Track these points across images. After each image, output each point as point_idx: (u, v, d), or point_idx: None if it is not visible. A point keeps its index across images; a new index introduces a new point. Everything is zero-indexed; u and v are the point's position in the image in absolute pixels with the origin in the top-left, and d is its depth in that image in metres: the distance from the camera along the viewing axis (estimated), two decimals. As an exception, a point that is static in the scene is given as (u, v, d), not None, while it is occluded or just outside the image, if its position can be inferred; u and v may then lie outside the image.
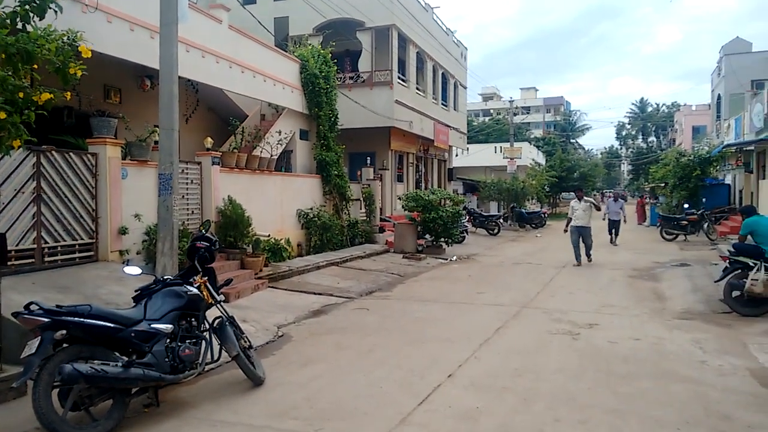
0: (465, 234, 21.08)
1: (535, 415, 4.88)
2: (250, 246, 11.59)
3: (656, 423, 4.70)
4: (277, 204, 13.85)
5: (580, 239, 14.52)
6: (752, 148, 23.13)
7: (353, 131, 20.55)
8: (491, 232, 25.12)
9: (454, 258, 16.39)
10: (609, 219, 19.96)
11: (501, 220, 27.20)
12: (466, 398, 5.28)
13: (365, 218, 18.01)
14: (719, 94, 34.04)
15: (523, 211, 29.93)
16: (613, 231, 19.86)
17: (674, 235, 21.49)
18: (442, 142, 26.49)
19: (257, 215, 12.35)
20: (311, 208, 15.10)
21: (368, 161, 19.54)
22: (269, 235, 12.47)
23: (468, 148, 39.94)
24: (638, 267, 14.52)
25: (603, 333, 7.72)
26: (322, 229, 14.93)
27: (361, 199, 18.05)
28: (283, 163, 15.84)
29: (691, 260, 15.03)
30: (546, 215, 30.66)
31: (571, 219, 14.61)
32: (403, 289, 11.40)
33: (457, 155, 34.71)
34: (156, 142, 8.34)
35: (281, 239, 13.18)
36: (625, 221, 19.91)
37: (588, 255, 14.73)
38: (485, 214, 26.91)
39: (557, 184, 42.14)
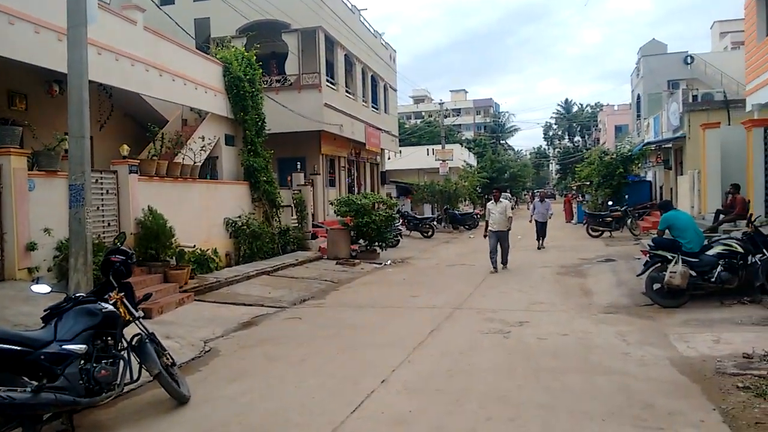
0: (399, 237, 21.27)
1: (467, 415, 4.99)
2: (174, 258, 11.27)
3: (584, 415, 4.91)
4: (202, 213, 13.53)
5: (498, 244, 13.78)
6: (670, 145, 24.65)
7: (282, 136, 20.35)
8: (425, 234, 25.46)
9: (389, 262, 16.51)
10: (536, 221, 18.97)
11: (435, 223, 27.62)
12: (399, 403, 5.34)
13: (297, 225, 17.91)
14: (639, 94, 36.02)
15: (456, 212, 30.55)
16: (541, 235, 18.89)
17: (600, 232, 22.53)
18: (373, 145, 26.66)
19: (181, 225, 12.02)
20: (240, 216, 14.84)
21: (298, 166, 19.41)
22: (195, 246, 12.17)
23: (400, 151, 40.44)
24: (566, 264, 15.07)
25: (532, 330, 8.00)
26: (252, 238, 14.70)
27: (292, 205, 17.95)
28: (208, 170, 15.49)
29: (615, 256, 15.77)
30: (478, 216, 31.42)
31: (488, 222, 13.86)
32: (336, 296, 11.38)
33: (389, 158, 35.04)
34: (66, 151, 7.97)
35: (208, 250, 12.89)
36: (550, 217, 19.36)
37: (504, 261, 13.93)
38: (419, 216, 27.27)
39: (489, 185, 43.26)
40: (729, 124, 18.45)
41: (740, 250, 8.96)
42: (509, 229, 13.97)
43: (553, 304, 9.84)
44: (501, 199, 14.13)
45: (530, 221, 19.43)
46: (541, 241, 18.77)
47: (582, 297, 10.52)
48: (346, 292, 11.81)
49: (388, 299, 10.83)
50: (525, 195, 75.67)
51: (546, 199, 19.40)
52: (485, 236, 14.00)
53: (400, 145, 40.29)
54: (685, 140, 21.27)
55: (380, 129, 28.10)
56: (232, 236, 14.61)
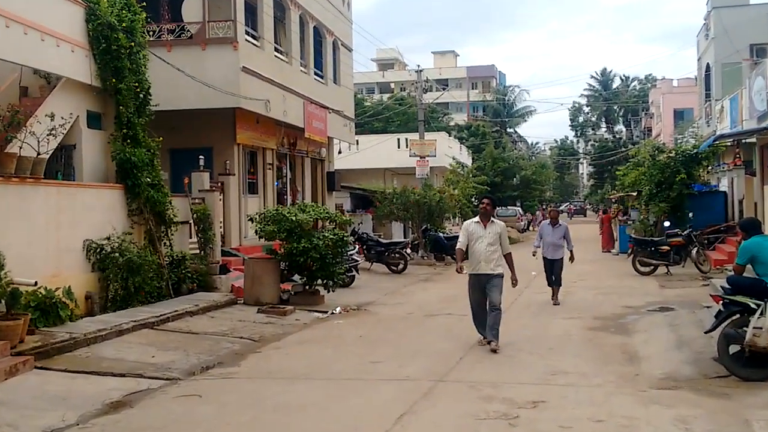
0: (354, 272, 21.26)
1: None
2: (3, 302, 11.05)
3: None
4: (49, 232, 13.32)
5: (484, 296, 11.87)
6: (754, 140, 25.29)
7: (177, 115, 20.21)
8: (394, 268, 25.52)
9: (338, 310, 16.57)
10: (544, 257, 17.39)
11: (408, 250, 27.64)
12: None
13: (198, 252, 17.82)
14: (708, 64, 36.95)
15: (441, 235, 30.73)
16: (553, 278, 17.38)
17: (652, 267, 22.98)
18: (316, 131, 26.71)
19: (15, 251, 11.82)
20: (109, 238, 14.69)
21: (202, 162, 19.27)
22: (36, 284, 11.97)
23: (357, 142, 40.64)
24: (602, 314, 15.27)
25: (552, 414, 8.06)
26: (128, 271, 14.56)
27: (191, 221, 17.84)
28: (60, 167, 15.28)
29: (674, 302, 16.09)
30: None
31: (464, 254, 11.98)
32: (257, 362, 11.35)
33: (341, 152, 35.20)
34: None
35: (58, 289, 12.68)
36: (572, 259, 17.57)
37: (493, 330, 11.67)
38: (384, 241, 27.33)
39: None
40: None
41: None
42: (501, 275, 11.82)
43: (583, 375, 9.95)
44: (494, 219, 12.18)
45: (534, 255, 17.70)
46: (555, 293, 17.34)
47: (625, 364, 10.67)
48: (271, 356, 11.77)
49: (337, 366, 10.82)
50: (542, 209, 76.65)
51: (560, 223, 17.59)
52: (458, 271, 11.98)
53: (357, 133, 40.50)
54: (776, 133, 21.89)
55: (327, 108, 28.18)
56: (97, 269, 14.46)
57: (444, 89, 63.34)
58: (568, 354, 11.40)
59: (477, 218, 12.09)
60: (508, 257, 11.98)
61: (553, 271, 17.29)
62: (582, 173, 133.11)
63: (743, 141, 26.49)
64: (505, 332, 12.03)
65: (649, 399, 8.67)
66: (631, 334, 13.00)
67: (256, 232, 18.05)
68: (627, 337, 12.80)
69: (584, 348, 11.89)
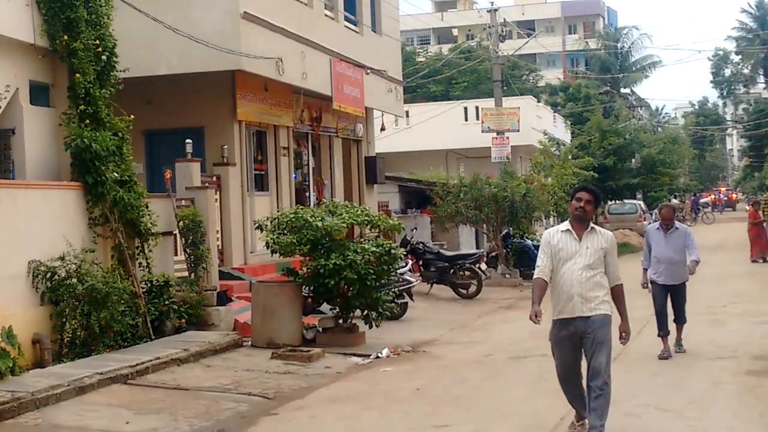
0: (407, 299, 21.13)
1: None
2: None
3: None
4: (-19, 251, 13.42)
5: (580, 354, 10.16)
6: None
7: (155, 84, 20.37)
8: (462, 291, 25.48)
9: (385, 353, 16.49)
10: (653, 282, 15.66)
11: (482, 265, 27.46)
12: None
13: (187, 274, 17.87)
14: None
15: (529, 242, 30.51)
16: (674, 315, 15.77)
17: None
18: (350, 101, 26.66)
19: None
20: (62, 258, 14.79)
21: (189, 148, 19.32)
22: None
23: (407, 113, 40.44)
24: (765, 352, 15.02)
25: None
26: (90, 304, 14.60)
27: (177, 231, 17.92)
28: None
29: None
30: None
31: (546, 287, 10.09)
32: (273, 429, 11.36)
33: (384, 129, 35.05)
34: None
35: (-6, 330, 12.78)
36: (691, 271, 15.79)
37: (597, 411, 9.68)
38: (448, 253, 27.19)
39: (598, 182, 43.30)
40: None
41: None
42: (607, 319, 9.91)
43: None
44: (595, 227, 10.19)
45: (645, 286, 15.87)
46: (678, 335, 15.87)
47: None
48: (293, 420, 11.73)
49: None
50: (680, 202, 75.64)
51: (676, 225, 15.91)
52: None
53: (407, 101, 40.30)
54: None
55: (364, 67, 28.09)
56: (48, 301, 14.54)
57: (530, 35, 62.89)
58: (718, 410, 11.23)
59: (566, 225, 10.11)
60: (617, 292, 9.99)
61: (672, 302, 15.60)
62: (731, 149, 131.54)
63: None
64: (623, 380, 11.85)
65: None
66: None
67: (267, 244, 17.87)
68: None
69: (742, 401, 11.70)
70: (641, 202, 55.00)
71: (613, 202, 51.84)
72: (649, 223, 53.06)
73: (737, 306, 20.86)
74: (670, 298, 15.59)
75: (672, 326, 15.60)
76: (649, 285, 15.67)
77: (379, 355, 16.33)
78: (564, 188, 35.94)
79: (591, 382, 9.80)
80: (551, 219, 40.73)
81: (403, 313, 20.75)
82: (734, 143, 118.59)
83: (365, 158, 30.68)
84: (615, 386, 12.10)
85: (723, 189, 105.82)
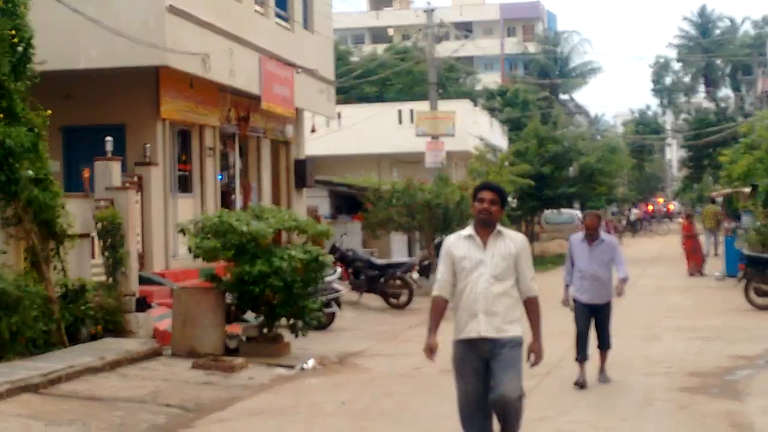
0: (335, 308, 21.11)
1: None
2: None
3: None
4: None
5: (486, 382, 9.09)
6: None
7: (74, 78, 20.22)
8: (393, 300, 25.56)
9: (311, 364, 16.49)
10: (576, 301, 14.41)
11: (414, 275, 27.49)
12: None
13: (105, 279, 17.70)
14: None
15: (463, 252, 30.64)
16: (598, 337, 14.43)
17: (774, 297, 22.95)
18: (279, 100, 26.61)
19: None
20: (-31, 260, 14.58)
21: (110, 146, 19.13)
22: None
23: (339, 115, 40.39)
24: (701, 368, 15.23)
25: None
26: (0, 309, 14.44)
27: (95, 233, 17.78)
28: None
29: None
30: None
31: (445, 306, 9.01)
32: (190, 444, 11.27)
33: (315, 130, 35.02)
34: None
35: None
36: (620, 292, 14.44)
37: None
38: (379, 261, 27.21)
39: (535, 191, 43.63)
40: None
41: None
42: (517, 341, 9.40)
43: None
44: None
45: (566, 304, 14.57)
46: (601, 363, 14.52)
47: (735, 445, 10.62)
48: (212, 434, 11.66)
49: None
50: (621, 212, 76.50)
51: (602, 237, 14.59)
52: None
53: (340, 102, 40.23)
54: None
55: (295, 66, 28.06)
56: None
57: (467, 37, 63.28)
58: (651, 428, 11.37)
59: (469, 229, 8.89)
60: (530, 306, 8.83)
61: (596, 324, 14.30)
62: (671, 159, 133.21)
63: None
64: (556, 395, 11.93)
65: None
66: (742, 398, 12.94)
67: (190, 249, 17.73)
68: (737, 402, 12.73)
69: (674, 418, 11.84)
70: (579, 212, 55.37)
71: (550, 211, 52.26)
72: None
73: (673, 321, 21.14)
74: (592, 317, 14.14)
75: (596, 351, 14.18)
76: (572, 303, 14.32)
77: (305, 366, 16.30)
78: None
79: (500, 411, 8.52)
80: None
81: (331, 322, 20.71)
82: (674, 153, 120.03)
83: (295, 161, 30.62)
84: (546, 402, 12.26)
85: (660, 200, 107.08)
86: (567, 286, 14.42)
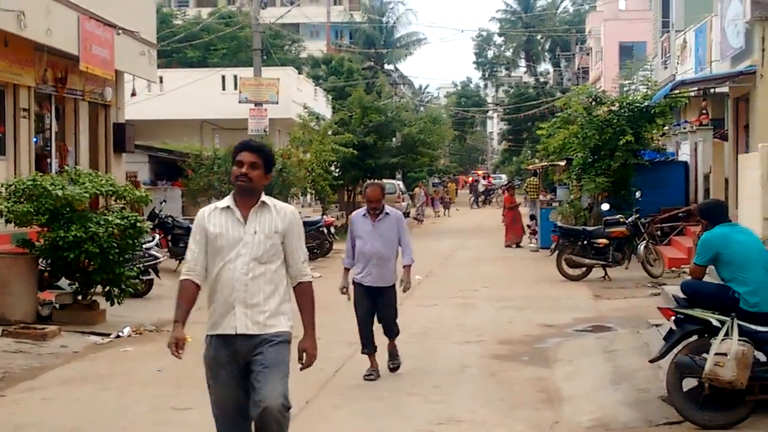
0: (153, 275, 20.88)
1: None
2: None
3: None
4: None
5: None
6: (726, 89, 26.31)
7: None
8: (212, 268, 25.32)
9: (126, 332, 16.30)
10: (357, 284, 12.87)
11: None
12: None
13: None
14: (665, -19, 38.15)
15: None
16: (383, 324, 13.03)
17: (584, 269, 23.68)
18: (98, 62, 26.10)
19: None
20: None
21: None
22: None
23: (161, 79, 39.80)
24: (512, 336, 15.64)
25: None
26: None
27: None
28: None
29: (613, 319, 16.63)
30: (333, 231, 31.84)
31: (192, 292, 8.60)
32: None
33: (135, 94, 34.46)
34: None
35: None
36: (406, 287, 13.06)
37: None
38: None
39: (357, 160, 43.85)
40: None
41: None
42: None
43: (482, 425, 10.21)
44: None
45: (344, 291, 13.02)
46: (391, 347, 13.13)
47: (541, 408, 10.97)
48: (22, 403, 11.50)
49: (124, 417, 10.67)
50: (437, 185, 77.50)
51: (387, 211, 13.00)
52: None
53: (162, 66, 39.65)
54: (756, 80, 22.82)
55: (115, 26, 27.56)
56: None
57: (293, 3, 62.83)
58: (463, 394, 11.59)
59: (228, 200, 7.45)
60: (301, 292, 7.46)
61: (377, 311, 12.88)
62: (491, 132, 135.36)
63: (712, 90, 27.53)
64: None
65: (571, 457, 8.95)
66: (550, 365, 13.32)
67: (1, 213, 17.26)
68: (545, 369, 13.10)
69: (485, 385, 12.11)
70: (401, 183, 55.93)
71: (372, 181, 52.48)
72: (406, 206, 54.49)
73: (488, 291, 21.55)
74: (375, 303, 12.72)
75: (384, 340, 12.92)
76: (350, 289, 12.85)
77: (120, 334, 16.08)
78: (322, 165, 36.35)
79: (259, 423, 7.29)
80: (308, 196, 41.16)
81: (149, 290, 20.46)
82: (494, 126, 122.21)
83: (114, 125, 30.05)
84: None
85: (480, 172, 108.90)
86: (346, 269, 12.97)
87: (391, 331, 12.83)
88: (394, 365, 12.83)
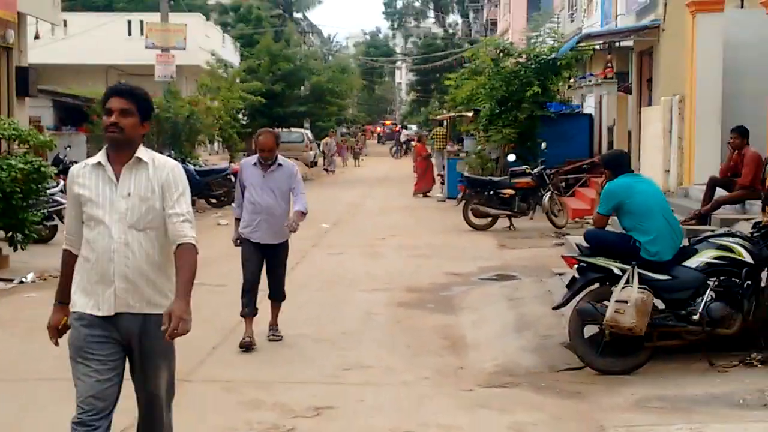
0: (56, 221, 20.67)
1: None
2: None
3: None
4: None
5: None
6: (630, 43, 26.69)
7: None
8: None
9: (30, 277, 16.18)
10: (244, 239, 11.89)
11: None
12: None
13: None
14: (573, -65, 38.48)
15: (192, 167, 30.42)
16: (270, 285, 12.06)
17: (490, 218, 23.87)
18: None
19: None
20: None
21: None
22: None
23: (66, 23, 39.09)
24: (418, 285, 15.79)
25: (342, 425, 8.36)
26: None
27: None
28: None
29: (517, 268, 16.91)
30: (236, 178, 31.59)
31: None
32: None
33: (38, 37, 33.84)
34: None
35: None
36: (293, 228, 11.64)
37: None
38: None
39: (266, 108, 43.62)
40: (742, 6, 20.32)
41: (747, 259, 9.96)
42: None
43: (388, 370, 10.33)
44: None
45: (236, 242, 12.17)
46: (273, 317, 12.18)
47: (446, 354, 11.13)
48: None
49: (30, 365, 10.65)
50: (345, 135, 77.42)
51: (280, 162, 11.95)
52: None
53: (66, 9, 38.95)
54: (659, 34, 23.17)
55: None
56: None
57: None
58: (369, 341, 11.73)
59: (101, 155, 6.20)
60: (181, 256, 6.03)
61: (267, 269, 11.99)
62: (400, 83, 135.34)
63: (617, 44, 27.89)
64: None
65: (475, 401, 9.10)
66: (456, 313, 13.49)
67: None
68: (450, 316, 13.27)
69: (391, 332, 12.26)
70: (308, 132, 55.67)
71: (281, 129, 52.41)
72: (314, 155, 54.35)
73: (395, 239, 21.67)
74: (265, 260, 11.83)
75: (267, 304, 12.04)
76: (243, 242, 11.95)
77: (24, 280, 15.95)
78: (230, 113, 36.09)
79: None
80: (216, 144, 40.89)
81: (53, 236, 20.24)
82: (403, 77, 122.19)
83: (16, 68, 29.43)
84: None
85: (388, 122, 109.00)
86: (237, 220, 12.01)
87: (278, 293, 11.90)
88: (276, 336, 11.84)
